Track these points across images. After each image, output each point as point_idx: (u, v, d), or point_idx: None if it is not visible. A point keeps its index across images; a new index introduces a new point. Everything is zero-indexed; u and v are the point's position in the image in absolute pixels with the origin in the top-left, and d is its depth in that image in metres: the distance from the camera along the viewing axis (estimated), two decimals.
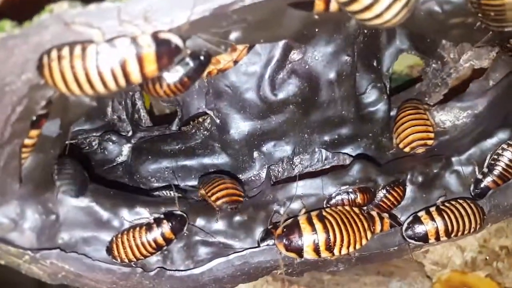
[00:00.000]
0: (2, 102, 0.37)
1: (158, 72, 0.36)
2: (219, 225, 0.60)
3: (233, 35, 0.44)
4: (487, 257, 0.77)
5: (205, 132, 0.73)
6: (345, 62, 0.66)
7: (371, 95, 0.73)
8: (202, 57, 0.43)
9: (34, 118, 0.40)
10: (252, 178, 0.73)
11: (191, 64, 0.43)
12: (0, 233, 0.47)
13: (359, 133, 0.72)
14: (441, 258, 0.76)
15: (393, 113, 0.75)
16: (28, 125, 0.40)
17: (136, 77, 0.35)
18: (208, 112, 0.70)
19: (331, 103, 0.69)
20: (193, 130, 0.73)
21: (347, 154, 0.73)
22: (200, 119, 0.73)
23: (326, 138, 0.72)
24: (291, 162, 0.73)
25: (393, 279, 0.72)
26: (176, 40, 0.36)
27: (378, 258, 0.63)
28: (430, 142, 0.68)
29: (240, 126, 0.69)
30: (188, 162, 0.72)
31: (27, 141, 0.42)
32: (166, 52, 0.36)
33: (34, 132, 0.42)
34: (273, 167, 0.72)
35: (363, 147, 0.73)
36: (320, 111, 0.69)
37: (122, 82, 0.35)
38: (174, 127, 0.79)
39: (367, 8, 0.36)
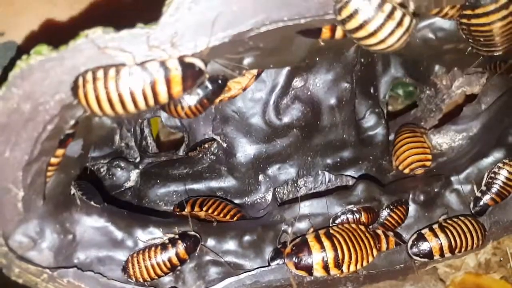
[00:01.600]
0: (35, 120, 0.39)
1: (183, 93, 0.39)
2: (230, 245, 0.62)
3: (247, 61, 0.47)
4: (501, 259, 0.76)
5: (212, 156, 0.75)
6: (345, 89, 0.70)
7: (370, 120, 0.77)
8: (220, 81, 0.46)
9: (62, 137, 0.43)
10: (258, 200, 0.75)
11: (210, 87, 0.46)
12: (20, 251, 0.48)
13: (360, 156, 0.75)
14: (454, 260, 0.75)
15: (391, 137, 0.79)
16: (56, 143, 0.43)
17: (164, 98, 0.38)
18: (215, 137, 0.73)
19: (333, 127, 0.72)
20: (200, 155, 0.76)
21: (350, 176, 0.75)
22: (206, 145, 0.76)
23: (329, 161, 0.75)
24: (295, 185, 0.75)
25: (406, 283, 0.71)
26: (199, 64, 0.39)
27: (385, 276, 0.64)
28: (428, 163, 0.71)
29: (246, 150, 0.71)
30: (195, 186, 0.74)
31: (53, 160, 0.44)
32: (191, 75, 0.39)
33: (60, 151, 0.44)
34: (278, 190, 0.74)
35: (364, 169, 0.76)
36: (322, 135, 0.72)
37: (151, 102, 0.38)
38: (181, 153, 0.82)
39: (372, 34, 0.40)
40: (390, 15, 0.39)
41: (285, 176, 0.74)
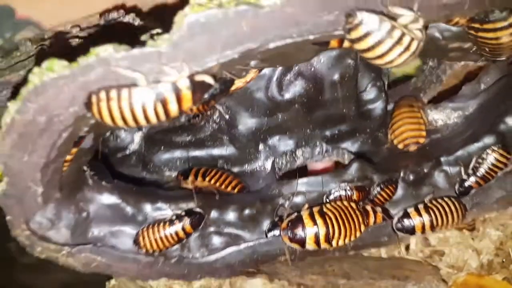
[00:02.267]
0: (50, 129, 0.41)
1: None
2: (231, 217, 0.67)
3: (253, 63, 0.48)
4: (504, 260, 0.76)
5: (214, 125, 0.77)
6: (348, 65, 0.70)
7: (370, 93, 0.77)
8: (227, 82, 0.47)
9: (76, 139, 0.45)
10: (257, 169, 0.79)
11: (218, 89, 0.47)
12: (40, 232, 0.52)
13: (358, 128, 0.78)
14: (457, 261, 0.75)
15: (390, 106, 0.81)
16: (71, 146, 0.45)
17: (174, 113, 0.40)
18: (218, 107, 0.74)
19: (334, 102, 0.74)
20: (202, 123, 0.78)
21: (346, 149, 0.79)
22: (208, 112, 0.77)
23: (327, 133, 0.77)
24: (293, 155, 0.79)
25: (408, 283, 0.72)
26: (209, 80, 0.40)
27: (370, 246, 0.71)
28: (422, 140, 0.74)
29: (248, 122, 0.74)
30: (198, 153, 0.78)
31: (68, 157, 0.47)
32: (201, 91, 0.40)
33: (74, 150, 0.47)
34: (277, 160, 0.78)
35: (360, 141, 0.79)
36: (323, 109, 0.74)
37: (163, 117, 0.40)
38: (182, 119, 0.83)
39: (379, 56, 0.41)
40: (398, 41, 0.39)
41: (284, 147, 0.77)
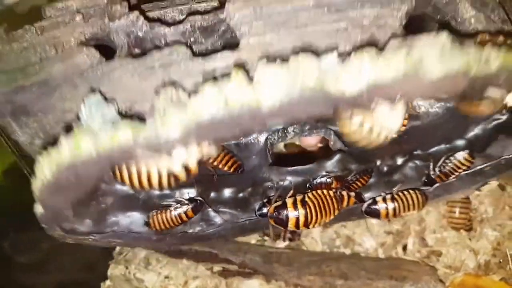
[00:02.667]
0: (80, 182, 0.49)
1: None
2: (226, 198, 0.78)
3: None
4: (501, 260, 0.76)
5: None
6: None
7: None
8: None
9: None
10: (252, 141, 0.88)
11: None
12: (68, 227, 0.63)
13: None
14: (454, 261, 0.76)
15: None
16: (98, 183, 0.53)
17: (184, 180, 0.48)
18: None
19: None
20: None
21: (333, 130, 0.86)
22: None
23: None
24: (285, 131, 0.87)
25: (406, 284, 0.72)
26: (214, 151, 0.47)
27: (340, 220, 0.85)
28: (402, 128, 0.82)
29: None
30: None
31: None
32: (206, 161, 0.47)
33: None
34: (270, 136, 0.86)
35: None
36: None
37: (174, 185, 0.48)
38: None
39: (353, 141, 0.47)
40: (377, 136, 0.46)
41: (278, 125, 0.85)
